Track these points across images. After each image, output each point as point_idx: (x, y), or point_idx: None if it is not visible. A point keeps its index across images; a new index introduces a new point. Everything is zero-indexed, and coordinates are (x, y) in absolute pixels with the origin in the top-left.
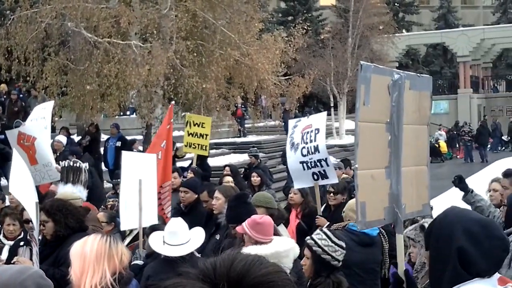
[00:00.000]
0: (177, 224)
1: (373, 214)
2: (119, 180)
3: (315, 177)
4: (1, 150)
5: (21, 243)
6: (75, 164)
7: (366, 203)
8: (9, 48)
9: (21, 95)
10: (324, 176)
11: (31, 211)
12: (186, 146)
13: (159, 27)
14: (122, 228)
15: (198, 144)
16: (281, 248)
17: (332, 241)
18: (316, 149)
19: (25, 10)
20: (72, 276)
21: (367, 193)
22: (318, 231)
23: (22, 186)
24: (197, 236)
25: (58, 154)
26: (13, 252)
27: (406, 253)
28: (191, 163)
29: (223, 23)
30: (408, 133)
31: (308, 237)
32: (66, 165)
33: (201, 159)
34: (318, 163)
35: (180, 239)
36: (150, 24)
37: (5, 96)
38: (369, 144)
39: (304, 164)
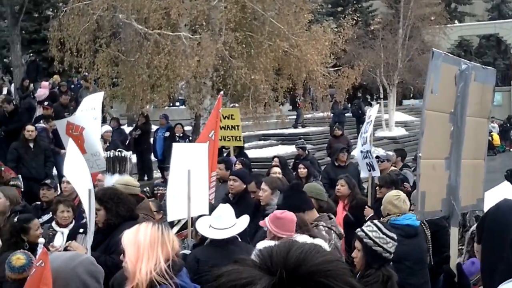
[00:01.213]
0: (223, 209)
1: (431, 205)
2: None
3: (368, 168)
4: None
5: (81, 230)
6: (120, 154)
7: (426, 193)
8: (61, 40)
9: (72, 86)
10: (372, 168)
11: (84, 198)
12: (220, 140)
13: (208, 19)
14: (169, 218)
15: (232, 136)
16: None
17: (383, 233)
18: (366, 140)
19: (77, 2)
20: (127, 263)
21: (428, 183)
22: (368, 223)
23: (76, 173)
24: (242, 221)
25: (108, 144)
26: (70, 238)
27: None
28: (228, 155)
29: (272, 14)
30: (469, 125)
31: (359, 229)
32: (111, 156)
33: (239, 150)
34: (368, 154)
35: (225, 223)
36: (199, 16)
37: (57, 87)
38: (433, 134)
39: (361, 154)
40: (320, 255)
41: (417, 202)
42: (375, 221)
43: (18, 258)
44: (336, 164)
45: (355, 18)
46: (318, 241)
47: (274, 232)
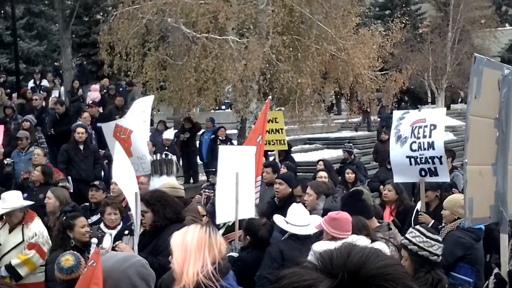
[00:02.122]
0: (300, 208)
1: (479, 211)
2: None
3: (423, 173)
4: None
5: (126, 232)
6: (167, 157)
7: (473, 199)
8: (111, 44)
9: (120, 89)
10: (434, 173)
11: (131, 200)
12: (265, 144)
13: (255, 22)
14: (218, 221)
15: (276, 140)
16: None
17: (427, 237)
18: (431, 145)
19: (127, 7)
20: (174, 264)
21: (475, 190)
22: (410, 229)
23: (123, 176)
24: (316, 221)
25: (166, 148)
26: (117, 240)
27: None
28: (274, 159)
29: (319, 18)
30: None
31: (402, 238)
32: (158, 158)
33: (285, 154)
34: (430, 160)
35: (303, 221)
36: (247, 19)
37: (105, 90)
38: (479, 139)
39: (412, 159)
40: (380, 259)
41: (465, 209)
42: (417, 227)
43: (67, 259)
44: (388, 167)
45: (404, 21)
46: (378, 245)
47: (332, 233)
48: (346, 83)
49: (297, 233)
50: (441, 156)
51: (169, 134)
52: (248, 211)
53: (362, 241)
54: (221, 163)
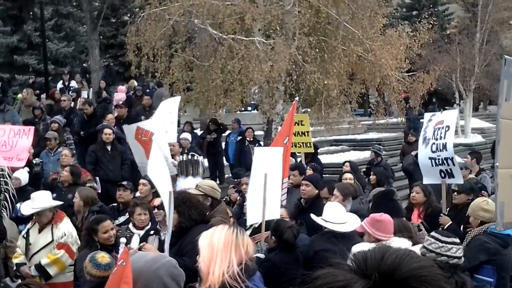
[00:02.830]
0: (337, 206)
1: (510, 215)
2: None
3: (442, 174)
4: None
5: (151, 232)
6: (193, 157)
7: (504, 203)
8: (138, 45)
9: (148, 90)
10: (450, 175)
11: (165, 199)
12: (292, 146)
13: (282, 23)
14: (249, 222)
15: (302, 143)
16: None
17: (442, 241)
18: (444, 146)
19: (154, 8)
20: (201, 264)
21: (506, 193)
22: (426, 237)
23: (159, 176)
24: (353, 220)
25: (186, 152)
26: (143, 240)
27: None
28: (300, 161)
29: (346, 19)
30: None
31: (420, 247)
32: (185, 159)
33: (312, 156)
34: (445, 161)
35: (340, 219)
36: (273, 21)
37: (132, 91)
38: (510, 142)
39: (433, 161)
40: (414, 261)
41: (496, 213)
42: (432, 233)
43: (103, 256)
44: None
45: (431, 22)
46: (419, 248)
47: (375, 235)
48: (373, 84)
49: (334, 229)
50: (452, 157)
51: (187, 135)
52: (274, 213)
53: (404, 243)
54: (254, 164)
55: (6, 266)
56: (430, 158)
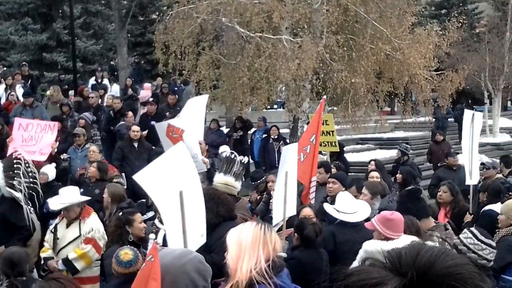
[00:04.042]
0: (347, 196)
1: None
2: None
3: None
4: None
5: None
6: (230, 156)
7: None
8: (166, 43)
9: (175, 88)
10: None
11: (170, 200)
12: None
13: (310, 22)
14: (275, 222)
15: (328, 142)
16: None
17: (479, 239)
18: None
19: (182, 6)
20: (229, 260)
21: None
22: (465, 230)
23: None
24: (364, 208)
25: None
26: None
27: None
28: (326, 160)
29: (374, 17)
30: None
31: (456, 237)
32: (224, 156)
33: (338, 155)
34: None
35: (352, 209)
36: (301, 19)
37: (159, 89)
38: None
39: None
40: (450, 258)
41: None
42: (472, 228)
43: (126, 253)
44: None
45: (460, 20)
46: (413, 238)
47: (385, 233)
48: (400, 83)
49: (346, 220)
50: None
51: (226, 147)
52: (292, 210)
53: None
54: (281, 162)
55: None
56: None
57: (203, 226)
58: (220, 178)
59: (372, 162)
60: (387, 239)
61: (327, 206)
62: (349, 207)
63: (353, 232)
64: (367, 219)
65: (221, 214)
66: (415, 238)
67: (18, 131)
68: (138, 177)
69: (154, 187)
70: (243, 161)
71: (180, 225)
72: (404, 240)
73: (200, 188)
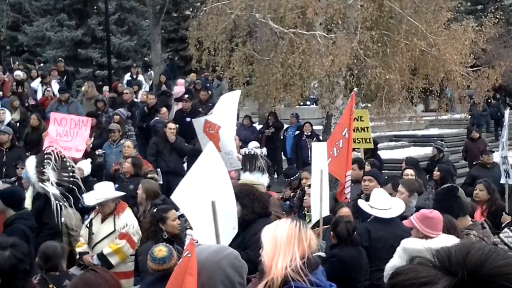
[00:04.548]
0: (381, 193)
1: None
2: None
3: (505, 174)
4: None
5: None
6: (250, 152)
7: None
8: (200, 39)
9: (207, 84)
10: (508, 174)
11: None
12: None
13: (344, 17)
14: (314, 220)
15: (362, 138)
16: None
17: None
18: (503, 145)
19: (216, 2)
20: (264, 257)
21: None
22: (505, 229)
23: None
24: (398, 205)
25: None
26: None
27: None
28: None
29: (409, 13)
30: None
31: (495, 236)
32: (242, 154)
33: (372, 152)
34: (505, 160)
35: (385, 205)
36: (335, 14)
37: (193, 85)
38: None
39: (501, 159)
40: (501, 258)
41: None
42: None
43: (160, 250)
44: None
45: (497, 16)
46: (451, 237)
47: (424, 231)
48: (436, 80)
49: (380, 216)
50: (505, 156)
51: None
52: (326, 208)
53: (452, 240)
54: (313, 160)
55: (72, 255)
56: (501, 157)
57: (235, 219)
58: (245, 178)
59: (406, 160)
60: (426, 237)
61: (361, 203)
62: (383, 203)
63: (387, 229)
64: (404, 217)
65: (256, 210)
66: (453, 237)
67: (53, 125)
68: (175, 198)
69: (188, 203)
70: (263, 153)
71: (213, 231)
72: (443, 239)
73: (230, 185)
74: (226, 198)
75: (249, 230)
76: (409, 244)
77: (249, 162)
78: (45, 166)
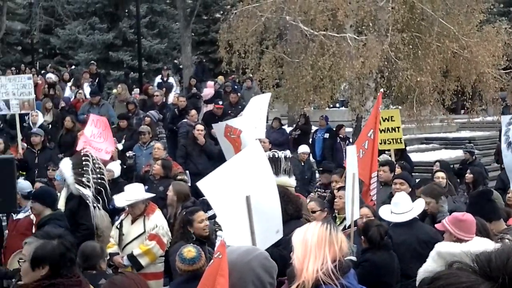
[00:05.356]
0: (400, 196)
1: None
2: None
3: None
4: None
5: None
6: (274, 155)
7: None
8: (230, 42)
9: (235, 87)
10: None
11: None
12: (380, 143)
13: (375, 20)
14: (347, 224)
15: (392, 139)
16: (481, 248)
17: None
18: None
19: (246, 5)
20: (295, 261)
21: None
22: None
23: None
24: (418, 205)
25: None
26: None
27: None
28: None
29: (441, 15)
30: None
31: None
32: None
33: (401, 154)
34: None
35: (403, 208)
36: (366, 17)
37: (222, 88)
38: None
39: None
40: None
41: None
42: None
43: (189, 250)
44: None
45: None
46: (485, 240)
47: (457, 234)
48: (468, 82)
49: (398, 221)
50: None
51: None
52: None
53: (487, 243)
54: (348, 164)
55: None
56: None
57: (279, 222)
58: (277, 180)
59: (437, 163)
60: (459, 240)
61: (382, 210)
62: (402, 207)
63: (409, 232)
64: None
65: (289, 212)
66: (488, 240)
67: (90, 126)
68: (201, 184)
69: (216, 193)
70: (287, 155)
71: (248, 227)
72: (476, 242)
73: (274, 186)
74: (267, 198)
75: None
76: (444, 248)
77: (274, 165)
78: (83, 168)
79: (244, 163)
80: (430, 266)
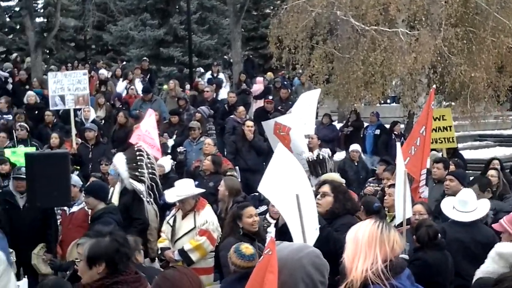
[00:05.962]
0: (467, 193)
1: None
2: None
3: None
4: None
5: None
6: (318, 157)
7: None
8: (280, 37)
9: (285, 83)
10: None
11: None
12: (432, 143)
13: (427, 14)
14: (398, 222)
15: (444, 138)
16: None
17: None
18: None
19: (296, 0)
20: (345, 259)
21: None
22: None
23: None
24: (483, 206)
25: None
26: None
27: None
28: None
29: (496, 9)
30: None
31: None
32: (311, 159)
33: (453, 152)
34: None
35: (469, 207)
36: (418, 11)
37: (272, 83)
38: None
39: None
40: None
41: None
42: None
43: (247, 247)
44: None
45: None
46: None
47: None
48: None
49: (459, 219)
50: None
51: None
52: (409, 210)
53: None
54: (397, 160)
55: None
56: None
57: (316, 220)
58: (327, 175)
59: (495, 161)
60: None
61: (445, 203)
62: (466, 205)
63: (466, 232)
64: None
65: (347, 207)
66: None
67: (147, 120)
68: (261, 189)
69: (277, 195)
70: (329, 155)
71: (299, 224)
72: None
73: (308, 185)
74: (308, 196)
75: (337, 221)
76: (505, 248)
77: (320, 166)
78: (137, 163)
79: (283, 163)
80: (489, 267)
